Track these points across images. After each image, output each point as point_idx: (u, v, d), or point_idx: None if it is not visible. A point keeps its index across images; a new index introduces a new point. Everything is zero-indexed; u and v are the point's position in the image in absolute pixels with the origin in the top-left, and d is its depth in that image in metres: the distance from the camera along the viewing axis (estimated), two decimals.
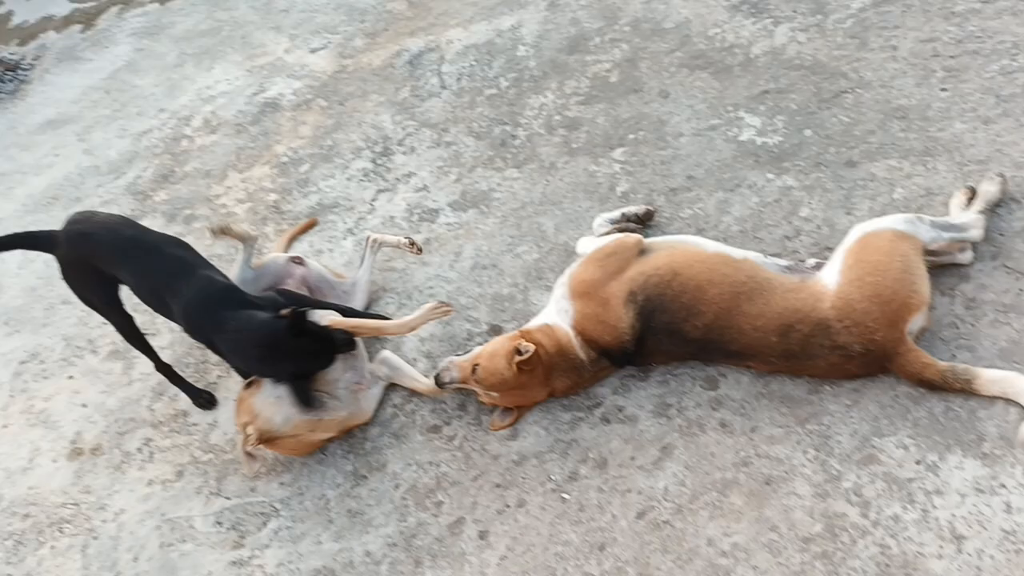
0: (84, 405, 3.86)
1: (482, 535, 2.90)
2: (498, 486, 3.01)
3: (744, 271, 2.88)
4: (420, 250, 3.54)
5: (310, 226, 4.25)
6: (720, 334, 2.85)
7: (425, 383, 3.30)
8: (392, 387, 3.42)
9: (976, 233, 2.94)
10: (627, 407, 3.06)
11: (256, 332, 2.97)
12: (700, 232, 3.44)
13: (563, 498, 2.91)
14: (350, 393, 3.26)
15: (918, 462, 2.62)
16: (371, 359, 3.43)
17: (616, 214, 3.49)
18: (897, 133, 3.50)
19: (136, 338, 3.52)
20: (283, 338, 2.91)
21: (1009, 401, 2.63)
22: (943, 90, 3.58)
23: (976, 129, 3.39)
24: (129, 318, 3.45)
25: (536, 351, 2.96)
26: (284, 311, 2.92)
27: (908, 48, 3.80)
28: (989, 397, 2.66)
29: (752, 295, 2.81)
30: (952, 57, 3.69)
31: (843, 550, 2.52)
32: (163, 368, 3.61)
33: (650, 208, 3.53)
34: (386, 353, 3.42)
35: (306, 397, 3.04)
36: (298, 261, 3.67)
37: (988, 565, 2.38)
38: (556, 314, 3.11)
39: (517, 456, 3.06)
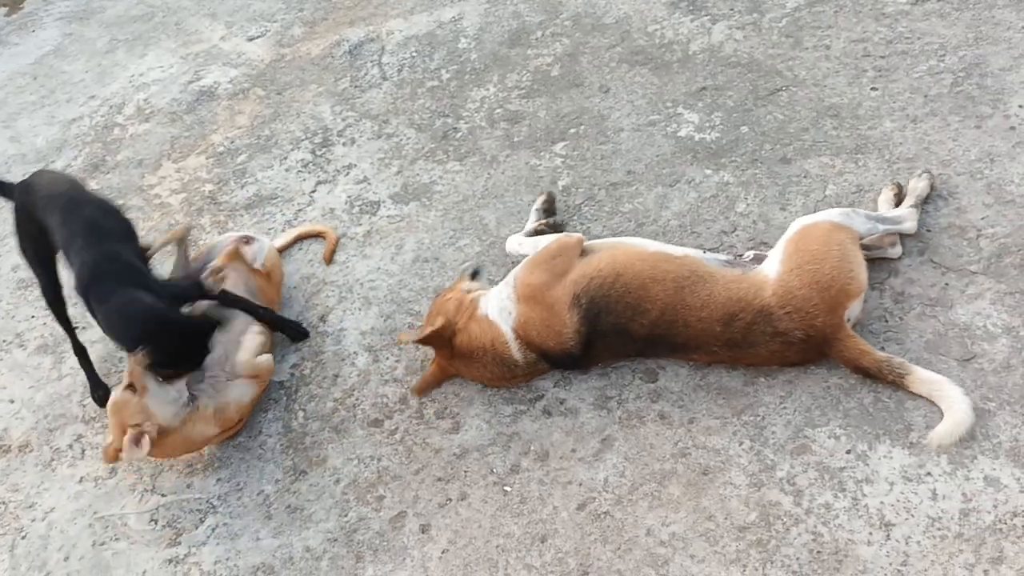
0: (11, 401, 3.74)
1: (424, 529, 2.90)
2: (440, 479, 3.01)
3: (686, 266, 2.91)
4: None
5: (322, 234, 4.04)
6: (666, 329, 2.88)
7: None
8: (332, 382, 3.39)
9: (910, 226, 3.05)
10: (568, 400, 3.09)
11: (133, 314, 3.08)
12: (640, 227, 3.49)
13: (505, 491, 2.92)
14: (211, 386, 3.22)
15: (848, 451, 2.70)
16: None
17: (533, 214, 3.58)
18: (830, 131, 3.59)
19: (57, 307, 3.54)
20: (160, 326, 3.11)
21: None
22: (873, 89, 3.69)
23: (905, 128, 3.50)
24: (55, 280, 3.49)
25: (440, 328, 3.06)
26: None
27: (840, 48, 3.91)
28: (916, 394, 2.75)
29: (695, 288, 2.85)
30: (882, 57, 3.80)
31: (777, 538, 2.59)
32: (78, 349, 3.59)
33: (550, 191, 3.66)
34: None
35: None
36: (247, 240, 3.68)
37: (915, 551, 2.47)
38: (497, 313, 3.06)
39: (459, 449, 3.07)
